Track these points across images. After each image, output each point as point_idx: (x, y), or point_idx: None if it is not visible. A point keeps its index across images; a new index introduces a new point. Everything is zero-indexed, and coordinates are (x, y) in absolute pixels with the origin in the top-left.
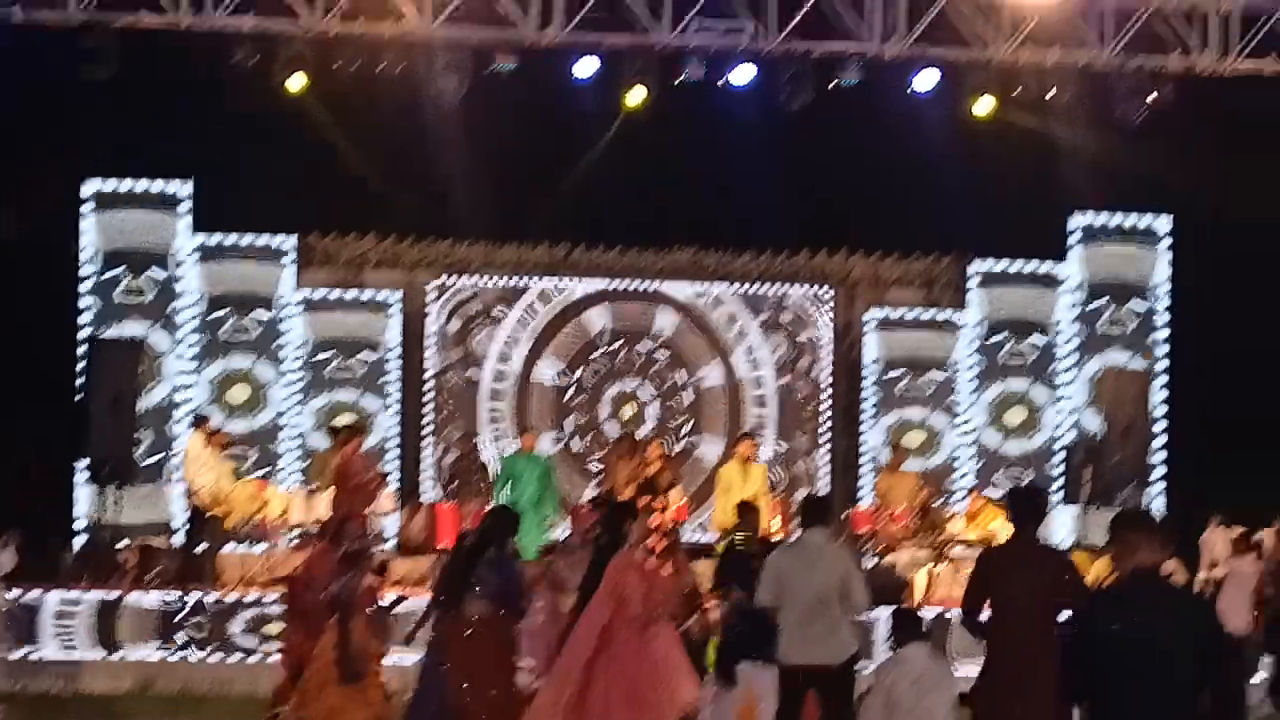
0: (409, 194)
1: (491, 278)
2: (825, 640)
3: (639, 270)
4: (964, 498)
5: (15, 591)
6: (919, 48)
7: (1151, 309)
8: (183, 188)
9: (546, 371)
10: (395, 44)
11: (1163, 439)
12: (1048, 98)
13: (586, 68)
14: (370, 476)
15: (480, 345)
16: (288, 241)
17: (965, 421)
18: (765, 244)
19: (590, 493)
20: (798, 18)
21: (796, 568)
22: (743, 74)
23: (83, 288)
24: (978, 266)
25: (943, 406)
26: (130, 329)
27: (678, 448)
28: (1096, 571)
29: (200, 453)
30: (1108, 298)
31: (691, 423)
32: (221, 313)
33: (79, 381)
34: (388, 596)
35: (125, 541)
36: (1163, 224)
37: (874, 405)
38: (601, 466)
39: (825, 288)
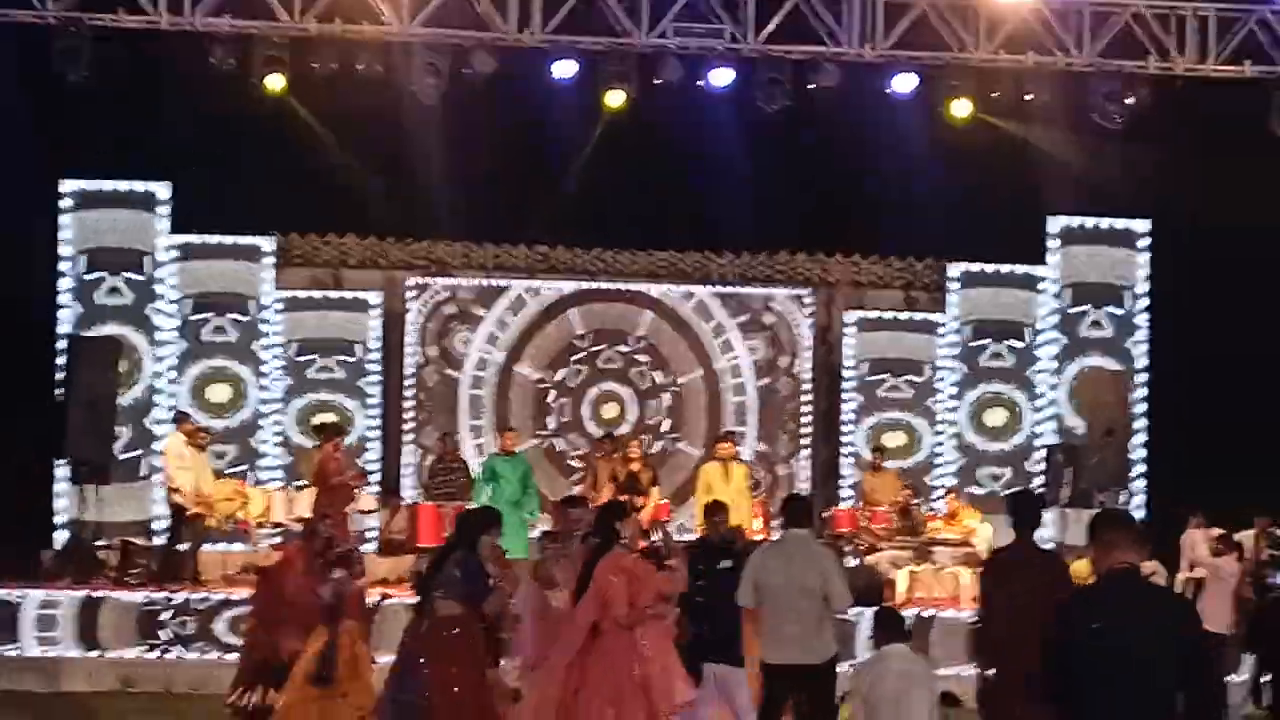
0: (388, 194)
1: (471, 278)
2: (807, 640)
3: (618, 271)
4: (943, 498)
5: None
6: (897, 51)
7: (1130, 311)
8: (161, 187)
9: (527, 372)
10: (373, 44)
11: (1142, 440)
12: (1026, 100)
13: (565, 69)
14: (350, 475)
15: (460, 345)
16: (267, 241)
17: (945, 422)
18: (744, 245)
19: (570, 492)
20: (776, 20)
21: (778, 567)
22: (721, 76)
23: (61, 286)
24: (957, 268)
25: (922, 407)
26: (109, 328)
27: (658, 448)
28: (1076, 573)
29: (180, 451)
30: (1087, 300)
31: (672, 423)
32: (201, 312)
33: (58, 380)
34: (372, 596)
35: (106, 540)
36: (1141, 227)
37: (854, 406)
38: (582, 466)
39: (805, 289)
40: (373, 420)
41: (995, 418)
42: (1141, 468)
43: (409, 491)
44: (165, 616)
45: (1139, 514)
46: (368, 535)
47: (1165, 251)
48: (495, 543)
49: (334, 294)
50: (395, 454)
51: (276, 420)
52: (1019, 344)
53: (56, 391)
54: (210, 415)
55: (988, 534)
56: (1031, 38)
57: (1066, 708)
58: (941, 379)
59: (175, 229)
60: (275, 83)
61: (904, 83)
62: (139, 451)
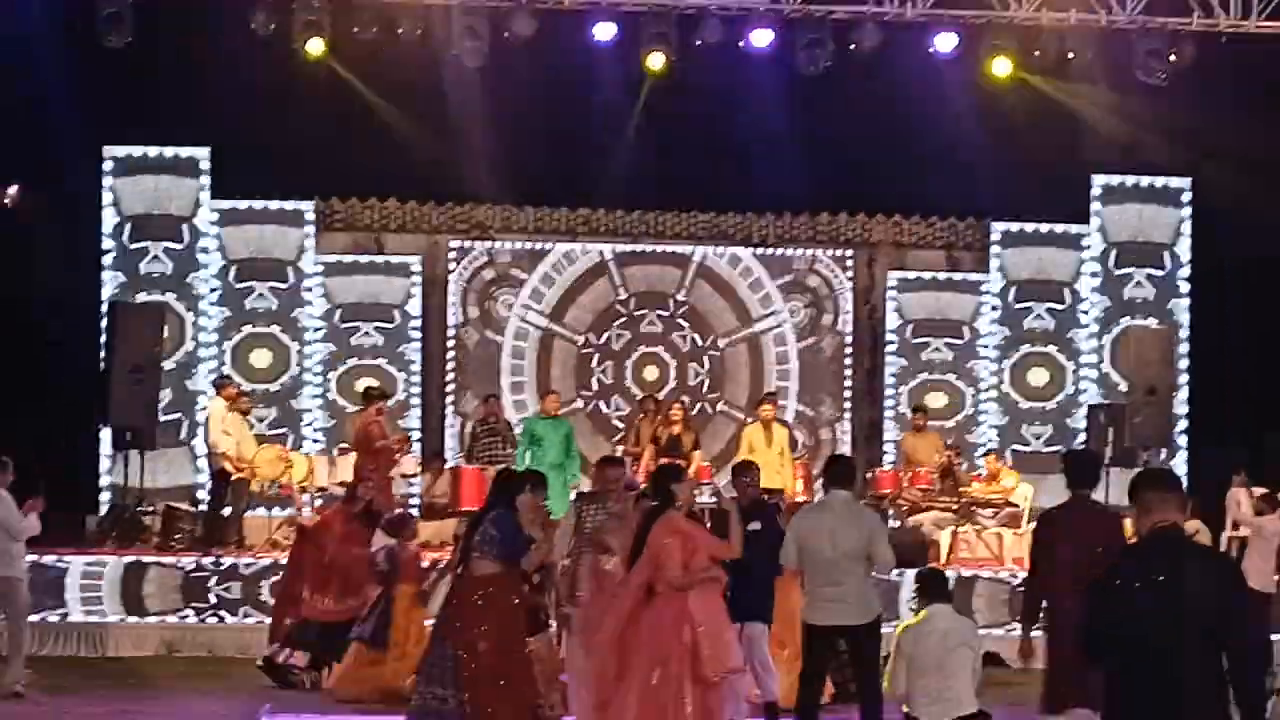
0: (429, 158)
1: (513, 240)
2: (850, 601)
3: (660, 233)
4: (984, 458)
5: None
6: (938, 10)
7: (1173, 269)
8: (203, 153)
9: (569, 334)
10: (413, 8)
11: (1185, 400)
12: (1068, 59)
13: (605, 31)
14: (394, 439)
15: (501, 308)
16: (307, 206)
17: (987, 382)
18: (786, 206)
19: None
20: None
21: (820, 529)
22: (762, 37)
23: (104, 253)
24: (999, 228)
25: (965, 367)
26: (152, 295)
27: (700, 410)
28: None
29: (222, 415)
30: (1129, 258)
31: (713, 386)
32: (242, 278)
33: (102, 345)
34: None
35: (149, 506)
36: (1184, 185)
37: (896, 367)
38: (623, 428)
39: (846, 250)
40: (414, 384)
41: (1038, 377)
42: (1184, 424)
43: (451, 455)
44: (211, 582)
45: (1181, 473)
46: (410, 499)
47: (1208, 209)
48: (540, 503)
49: (375, 258)
50: (438, 418)
51: (319, 385)
52: (1062, 303)
53: (100, 359)
54: (252, 380)
55: (1027, 493)
56: None
57: (1109, 666)
58: (984, 339)
59: (216, 194)
60: (316, 47)
61: (945, 42)
62: (178, 414)
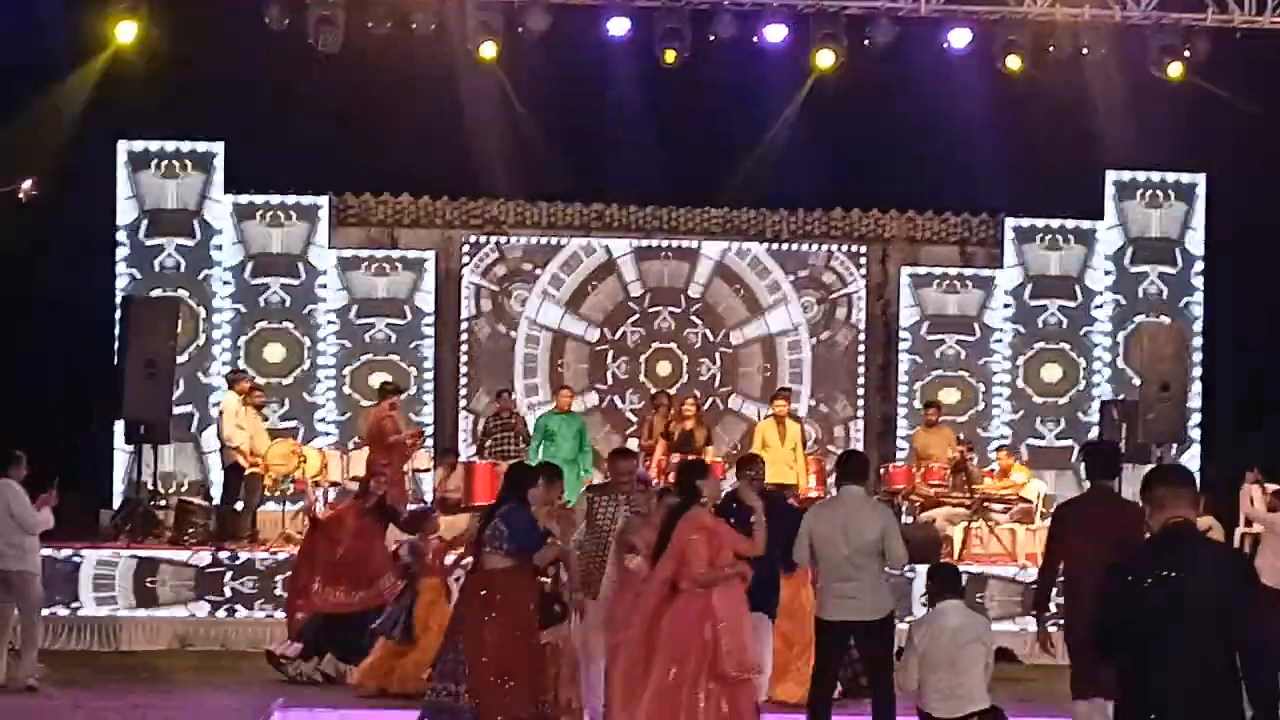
0: (442, 153)
1: (526, 236)
2: (863, 596)
3: (674, 229)
4: (996, 453)
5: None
6: (952, 6)
7: (1187, 265)
8: (216, 148)
9: (582, 330)
10: (428, 3)
11: (1198, 396)
12: (1082, 54)
13: (619, 26)
14: (407, 434)
15: (515, 303)
16: (321, 201)
17: (1001, 378)
18: (800, 202)
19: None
20: None
21: (833, 525)
22: (775, 32)
23: (118, 248)
24: (1013, 224)
25: (978, 363)
26: (165, 289)
27: (713, 405)
28: None
29: (236, 409)
30: (1144, 254)
31: (727, 381)
32: (256, 272)
33: (115, 340)
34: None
35: (163, 501)
36: (1198, 181)
37: (909, 362)
38: (635, 424)
39: (860, 246)
40: (427, 379)
41: (1051, 373)
42: (1197, 420)
43: (465, 450)
44: (225, 576)
45: (1195, 469)
46: (423, 494)
47: (1223, 205)
48: (556, 496)
49: (389, 253)
50: (451, 412)
51: (332, 379)
52: (1075, 299)
53: (114, 353)
54: (265, 375)
55: (1039, 489)
56: None
57: (1121, 661)
58: (998, 335)
59: (230, 189)
60: (330, 42)
61: (959, 38)
62: (190, 406)
